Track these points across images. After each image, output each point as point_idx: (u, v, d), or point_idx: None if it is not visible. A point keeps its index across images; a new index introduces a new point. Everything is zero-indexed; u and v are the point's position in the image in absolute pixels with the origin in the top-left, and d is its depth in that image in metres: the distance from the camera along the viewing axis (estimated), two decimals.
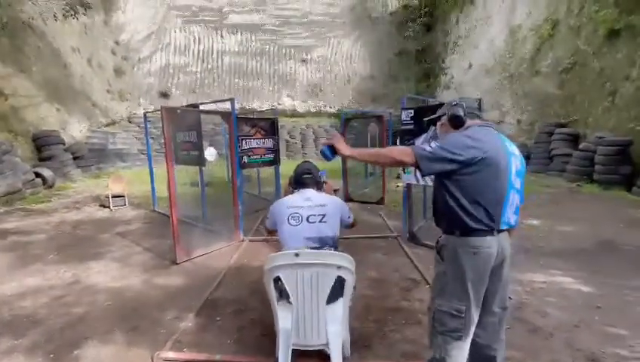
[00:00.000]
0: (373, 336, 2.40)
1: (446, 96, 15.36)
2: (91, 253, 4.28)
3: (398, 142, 8.39)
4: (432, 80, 17.46)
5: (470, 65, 14.64)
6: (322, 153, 1.62)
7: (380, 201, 6.61)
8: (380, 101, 17.47)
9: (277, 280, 1.69)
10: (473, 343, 1.59)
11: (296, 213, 1.94)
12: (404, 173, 4.27)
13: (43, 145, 9.44)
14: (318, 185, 2.12)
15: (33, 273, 3.69)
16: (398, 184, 8.50)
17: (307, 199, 1.99)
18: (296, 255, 1.56)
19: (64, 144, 10.11)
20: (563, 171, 8.52)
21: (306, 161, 2.24)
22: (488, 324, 1.60)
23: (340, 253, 1.66)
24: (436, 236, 1.68)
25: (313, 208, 1.95)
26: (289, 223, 1.92)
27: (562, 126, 9.50)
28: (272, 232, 2.15)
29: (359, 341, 2.29)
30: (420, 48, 17.72)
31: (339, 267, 1.58)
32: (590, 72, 8.86)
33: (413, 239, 4.35)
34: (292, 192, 2.13)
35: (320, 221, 1.92)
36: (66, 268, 3.83)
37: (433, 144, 1.48)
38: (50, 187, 8.40)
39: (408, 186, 4.47)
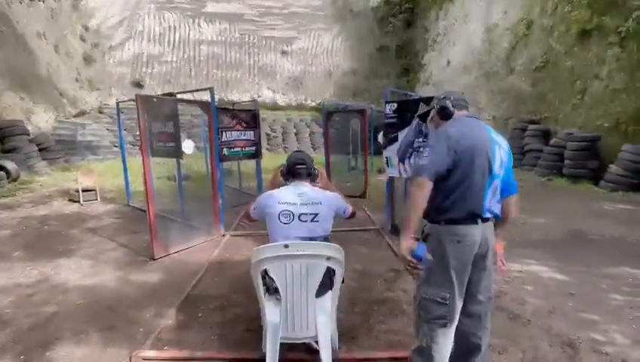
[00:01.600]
0: (359, 328, 2.39)
1: (425, 92, 15.59)
2: (60, 250, 4.06)
3: (379, 137, 8.44)
4: (411, 76, 17.68)
5: (448, 63, 14.92)
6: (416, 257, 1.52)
7: (363, 195, 6.64)
8: (362, 96, 17.53)
9: (265, 273, 1.64)
10: (459, 331, 1.61)
11: (288, 210, 1.83)
12: (388, 166, 4.28)
13: (6, 136, 8.84)
14: (312, 177, 2.02)
15: None
16: (379, 178, 8.60)
17: (300, 195, 1.88)
18: (286, 246, 1.51)
19: (29, 135, 9.51)
20: (535, 166, 8.87)
21: (298, 151, 2.13)
22: (474, 313, 1.63)
23: (330, 243, 1.62)
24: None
25: (305, 206, 1.85)
26: (279, 221, 1.83)
27: (534, 122, 9.87)
28: (251, 219, 2.03)
29: (345, 333, 2.28)
30: (401, 44, 17.88)
31: (328, 258, 1.55)
32: (562, 71, 9.23)
33: (395, 231, 4.40)
34: (283, 184, 2.02)
35: (312, 220, 1.83)
36: (34, 265, 3.60)
37: (421, 160, 1.51)
38: (15, 180, 7.88)
39: (391, 179, 4.50)
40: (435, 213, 1.55)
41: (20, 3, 10.29)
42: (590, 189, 7.11)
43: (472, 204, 1.51)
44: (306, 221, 1.83)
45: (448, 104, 1.67)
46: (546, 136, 9.35)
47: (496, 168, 1.56)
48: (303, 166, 1.96)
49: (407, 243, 1.51)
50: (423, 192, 1.47)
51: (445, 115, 1.69)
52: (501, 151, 1.60)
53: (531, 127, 9.65)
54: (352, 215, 2.03)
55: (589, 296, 2.82)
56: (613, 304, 2.71)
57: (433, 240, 1.57)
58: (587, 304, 2.69)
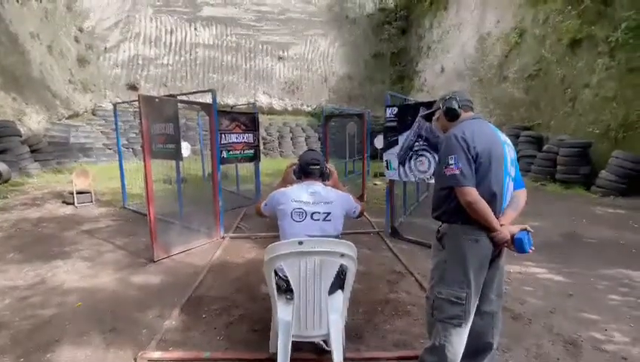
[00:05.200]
0: (364, 328, 2.40)
1: (419, 98, 15.78)
2: (56, 252, 3.99)
3: (376, 142, 8.49)
4: (406, 82, 17.89)
5: (442, 70, 15.15)
6: (521, 243, 1.49)
7: (360, 198, 6.67)
8: (357, 101, 17.65)
9: (275, 272, 1.65)
10: (470, 330, 1.62)
11: (301, 208, 1.84)
12: (388, 169, 4.33)
13: None
14: (324, 176, 2.03)
15: None
16: (376, 182, 8.66)
17: (313, 194, 1.89)
18: (300, 243, 1.52)
19: (21, 136, 9.36)
20: (528, 171, 9.02)
21: (311, 150, 2.14)
22: (486, 312, 1.65)
23: (343, 240, 1.63)
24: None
25: (318, 205, 1.86)
26: (292, 218, 1.84)
27: (527, 129, 10.06)
28: (262, 214, 2.04)
29: (351, 332, 2.29)
30: (395, 51, 18.10)
31: (342, 255, 1.56)
32: (553, 79, 9.46)
33: (395, 234, 4.42)
34: (296, 182, 2.03)
35: (324, 219, 1.85)
36: (30, 267, 3.54)
37: (453, 165, 1.50)
38: (6, 182, 7.74)
39: (390, 182, 4.53)
40: (452, 213, 1.57)
41: (17, 1, 10.16)
42: (582, 194, 7.26)
43: (490, 204, 1.52)
44: (318, 220, 1.84)
45: (455, 105, 1.68)
46: (538, 142, 9.52)
47: (509, 167, 1.59)
48: (317, 166, 1.97)
49: (506, 228, 1.51)
50: (476, 197, 1.48)
51: (452, 116, 1.70)
52: (510, 149, 1.64)
53: (524, 133, 9.83)
54: (361, 213, 2.05)
55: (587, 297, 2.88)
56: (610, 304, 2.77)
57: (450, 240, 1.58)
58: (586, 304, 2.74)
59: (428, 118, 1.95)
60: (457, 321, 1.54)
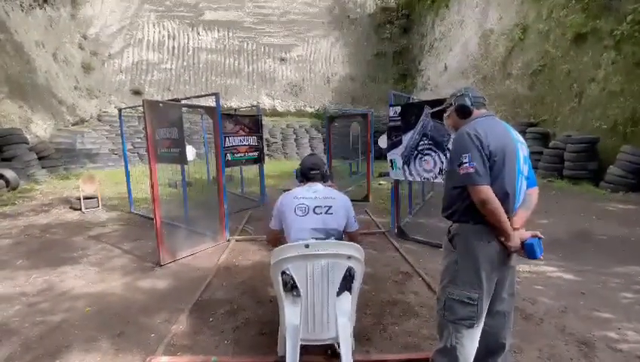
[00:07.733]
0: (373, 330, 2.38)
1: (422, 97, 15.72)
2: (64, 258, 4.01)
3: (380, 142, 8.45)
4: (409, 81, 17.82)
5: (445, 67, 15.06)
6: (532, 248, 1.47)
7: (365, 199, 6.64)
8: (360, 101, 17.62)
9: (283, 273, 1.63)
10: (482, 331, 1.59)
11: (303, 203, 1.91)
12: (393, 168, 4.30)
13: (5, 145, 8.80)
14: (325, 178, 2.11)
15: (1, 280, 3.41)
16: (380, 182, 8.62)
17: (315, 191, 1.98)
18: (307, 246, 1.51)
19: (28, 143, 9.48)
20: (535, 168, 8.88)
21: (312, 155, 2.20)
22: (498, 311, 1.61)
23: (350, 242, 1.62)
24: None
25: (319, 200, 1.93)
26: (295, 213, 1.89)
27: (533, 125, 9.95)
28: (273, 238, 2.05)
29: (360, 334, 2.27)
30: (398, 50, 18.05)
31: (349, 257, 1.55)
32: (558, 74, 9.35)
33: (401, 234, 4.39)
34: (298, 185, 2.11)
35: (326, 212, 1.89)
36: (38, 273, 3.56)
37: (467, 164, 1.46)
38: (14, 189, 7.82)
39: (396, 182, 4.51)
40: (464, 213, 1.54)
41: (22, 10, 10.31)
42: (591, 190, 7.16)
43: (503, 203, 1.48)
44: (320, 213, 1.88)
45: (467, 102, 1.63)
46: (545, 138, 9.41)
47: (522, 166, 1.56)
48: (317, 171, 2.06)
49: (517, 234, 1.48)
50: (491, 196, 1.45)
51: (464, 113, 1.66)
52: (523, 148, 1.60)
53: (530, 129, 9.70)
54: (356, 236, 2.05)
55: (599, 295, 2.82)
56: (624, 302, 2.72)
57: (461, 240, 1.55)
58: (598, 302, 2.69)
59: (438, 114, 1.92)
60: (469, 322, 1.51)
